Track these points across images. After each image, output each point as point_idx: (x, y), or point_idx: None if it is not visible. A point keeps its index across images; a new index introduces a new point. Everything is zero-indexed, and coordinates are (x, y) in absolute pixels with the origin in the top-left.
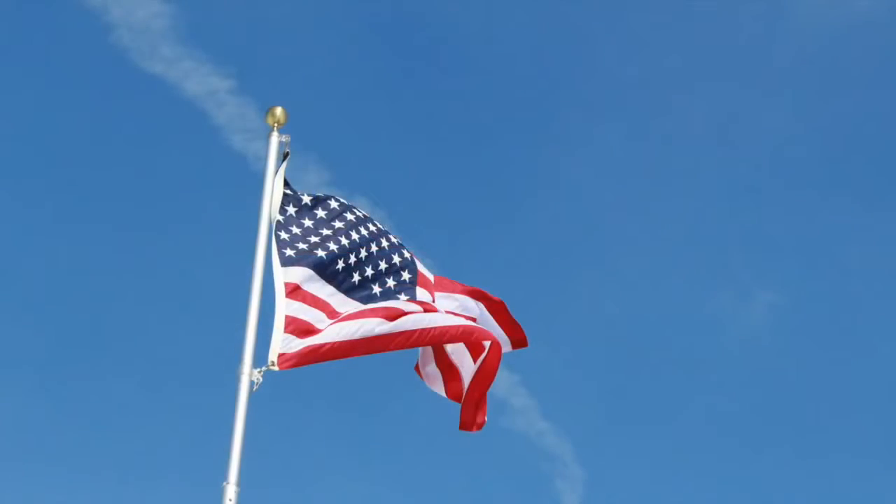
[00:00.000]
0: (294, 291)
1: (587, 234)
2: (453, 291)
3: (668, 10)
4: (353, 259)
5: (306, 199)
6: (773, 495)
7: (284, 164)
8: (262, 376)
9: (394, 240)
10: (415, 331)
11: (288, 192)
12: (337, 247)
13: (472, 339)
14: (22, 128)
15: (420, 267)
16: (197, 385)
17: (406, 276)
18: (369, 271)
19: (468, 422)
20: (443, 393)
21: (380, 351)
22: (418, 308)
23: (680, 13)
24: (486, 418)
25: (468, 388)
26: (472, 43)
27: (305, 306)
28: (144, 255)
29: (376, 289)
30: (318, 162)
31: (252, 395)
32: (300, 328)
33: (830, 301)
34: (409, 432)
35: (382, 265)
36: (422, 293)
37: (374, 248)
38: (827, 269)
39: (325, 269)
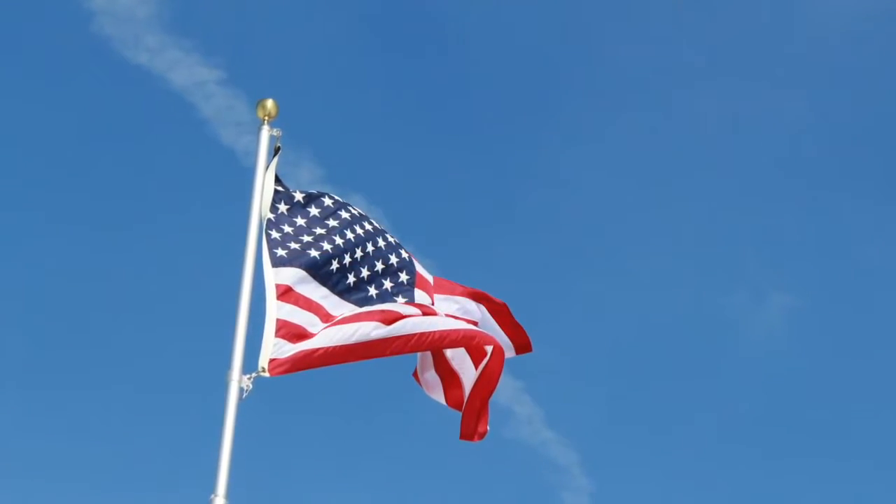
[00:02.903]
0: (286, 293)
1: (595, 234)
2: (453, 293)
3: (680, 2)
4: (347, 259)
5: (299, 196)
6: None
7: (275, 159)
8: (252, 383)
9: (391, 239)
10: (413, 335)
11: (279, 188)
12: (331, 246)
13: (473, 344)
14: None
15: (418, 268)
16: (183, 392)
17: (404, 277)
18: (365, 272)
19: (469, 431)
20: (442, 400)
21: (376, 356)
22: (417, 311)
23: (692, 6)
24: (488, 427)
25: (469, 396)
26: (471, 34)
27: (298, 309)
28: (128, 254)
29: (372, 291)
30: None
31: (241, 403)
32: (292, 332)
33: (847, 302)
34: (407, 442)
35: (379, 266)
36: (420, 295)
37: (370, 247)
38: (843, 270)
39: (318, 270)
